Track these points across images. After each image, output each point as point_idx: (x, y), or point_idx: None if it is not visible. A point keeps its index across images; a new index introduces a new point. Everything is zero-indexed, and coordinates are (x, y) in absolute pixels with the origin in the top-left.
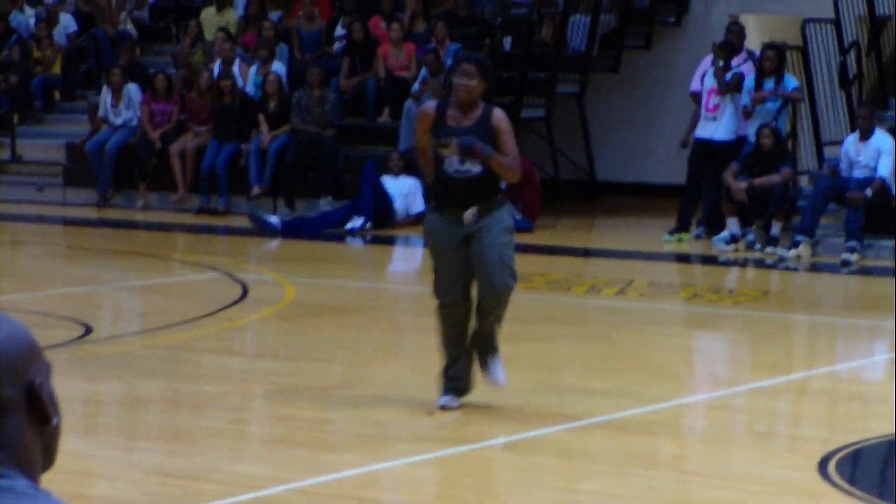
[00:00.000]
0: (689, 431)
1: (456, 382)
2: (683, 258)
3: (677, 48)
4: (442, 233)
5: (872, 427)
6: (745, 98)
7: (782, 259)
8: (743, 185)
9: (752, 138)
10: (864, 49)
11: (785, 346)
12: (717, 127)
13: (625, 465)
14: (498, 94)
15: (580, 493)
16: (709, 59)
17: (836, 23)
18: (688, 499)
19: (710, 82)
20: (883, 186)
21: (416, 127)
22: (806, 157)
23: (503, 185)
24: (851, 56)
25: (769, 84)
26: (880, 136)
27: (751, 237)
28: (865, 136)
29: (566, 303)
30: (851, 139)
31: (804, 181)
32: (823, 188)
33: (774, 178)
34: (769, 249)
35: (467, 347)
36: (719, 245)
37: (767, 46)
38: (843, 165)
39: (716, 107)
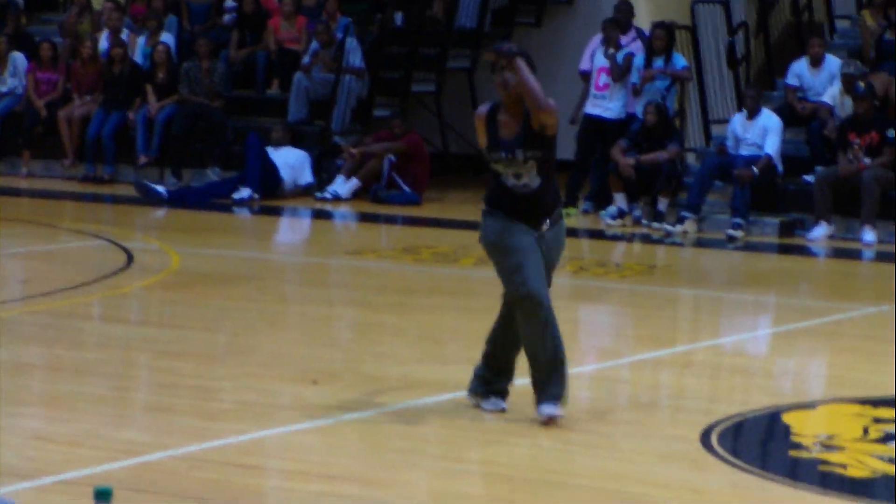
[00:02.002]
0: (573, 402)
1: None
2: (571, 232)
3: (568, 26)
4: (519, 228)
5: (754, 399)
6: (634, 76)
7: (668, 234)
8: (631, 161)
9: (641, 116)
10: (752, 29)
11: (669, 320)
12: (607, 104)
13: (510, 434)
14: (388, 69)
15: (465, 462)
16: (598, 37)
17: (725, 3)
18: (571, 468)
19: (600, 61)
20: (769, 164)
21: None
22: (693, 134)
23: (393, 157)
24: (740, 36)
25: (658, 63)
26: (767, 115)
27: (638, 213)
28: (752, 114)
29: (453, 275)
30: (738, 118)
31: (691, 158)
32: (710, 166)
33: (662, 155)
34: (655, 225)
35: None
36: (606, 220)
37: (657, 25)
38: (730, 143)
39: (605, 85)
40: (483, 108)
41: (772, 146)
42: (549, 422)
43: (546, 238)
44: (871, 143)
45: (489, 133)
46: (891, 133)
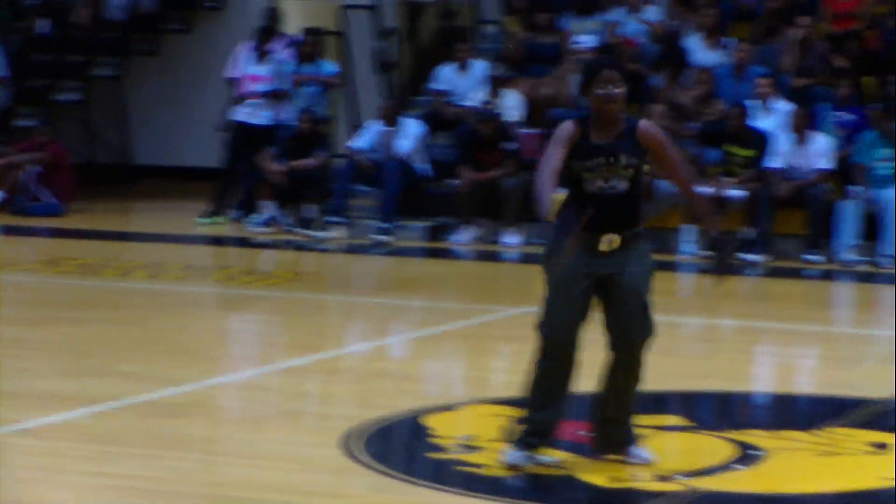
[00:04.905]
0: (219, 413)
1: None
2: (220, 241)
3: (218, 32)
4: (568, 258)
5: (399, 404)
6: (284, 82)
7: (317, 241)
8: (280, 168)
9: (291, 122)
10: (402, 35)
11: (317, 326)
12: (256, 111)
13: (154, 448)
14: (32, 78)
15: (108, 477)
16: (247, 44)
17: (375, 8)
18: (216, 479)
19: (250, 67)
20: (408, 169)
21: (553, 146)
22: (343, 141)
23: (38, 168)
24: (389, 42)
25: (308, 69)
26: (410, 123)
27: (287, 220)
28: (391, 122)
29: (99, 287)
30: (379, 124)
31: (341, 165)
32: (350, 171)
33: (311, 162)
34: (304, 232)
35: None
36: (255, 227)
37: (307, 31)
38: (377, 149)
39: (255, 92)
40: (570, 123)
41: (403, 150)
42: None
43: (620, 271)
44: (499, 158)
45: (580, 143)
46: (509, 145)
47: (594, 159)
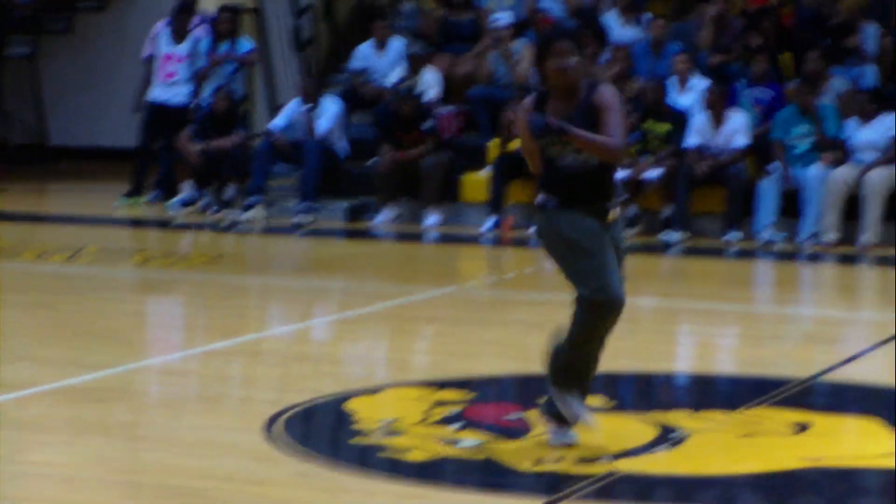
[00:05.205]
0: (140, 398)
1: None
2: (138, 222)
3: (133, 10)
4: (589, 222)
5: (322, 387)
6: (200, 61)
7: (236, 222)
8: (197, 148)
9: (208, 102)
10: (319, 13)
11: (238, 309)
12: (172, 91)
13: (74, 434)
14: None
15: (26, 465)
16: (162, 23)
17: None
18: (137, 465)
19: (165, 47)
20: (327, 148)
21: (519, 128)
22: (261, 120)
23: None
24: (306, 19)
25: (224, 47)
26: (328, 101)
27: (206, 200)
28: (311, 101)
29: (13, 270)
30: (297, 103)
31: (259, 145)
32: (267, 150)
33: (229, 142)
34: (223, 212)
35: None
36: (174, 208)
37: (223, 9)
38: (296, 128)
39: (171, 73)
40: (527, 102)
41: (322, 130)
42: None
43: (613, 233)
44: (418, 137)
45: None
46: (428, 124)
47: (549, 136)
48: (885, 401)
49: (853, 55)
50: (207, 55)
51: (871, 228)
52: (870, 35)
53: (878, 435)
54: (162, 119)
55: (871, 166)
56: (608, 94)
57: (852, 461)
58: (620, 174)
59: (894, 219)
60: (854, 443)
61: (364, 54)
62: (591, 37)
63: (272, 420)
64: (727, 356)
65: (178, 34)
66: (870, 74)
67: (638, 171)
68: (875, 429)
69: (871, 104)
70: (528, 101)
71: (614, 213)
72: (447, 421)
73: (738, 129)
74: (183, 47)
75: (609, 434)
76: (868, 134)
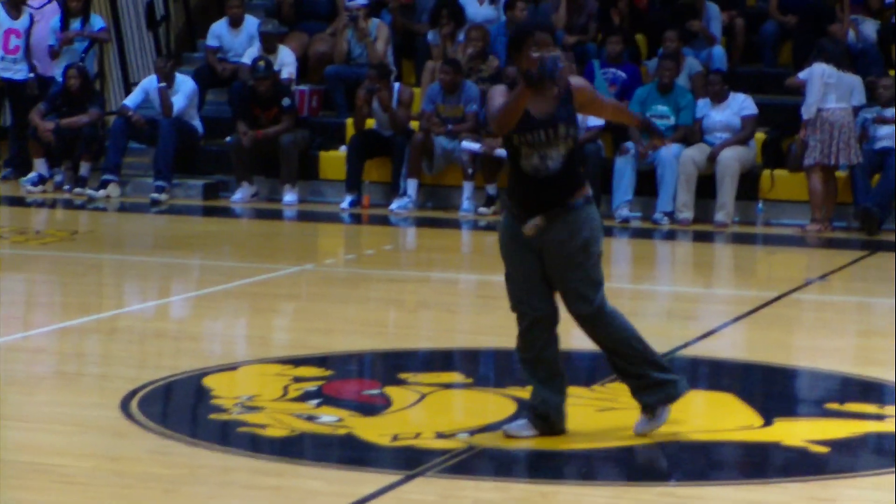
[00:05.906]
0: None
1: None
2: None
3: None
4: (511, 231)
5: (180, 364)
6: (51, 38)
7: (91, 199)
8: (50, 125)
9: (60, 78)
10: None
11: (94, 286)
12: (18, 66)
13: None
14: None
15: None
16: None
17: None
18: None
19: (7, 22)
20: (183, 126)
21: (499, 97)
22: (115, 97)
23: None
24: None
25: (76, 24)
26: (183, 80)
27: (60, 178)
28: (167, 79)
29: None
30: (152, 80)
31: (114, 122)
32: (121, 127)
33: (83, 119)
34: (78, 190)
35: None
36: (27, 186)
37: None
38: (152, 106)
39: (16, 48)
40: (503, 88)
41: (178, 107)
42: None
43: (546, 235)
44: (276, 114)
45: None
46: (286, 102)
47: (533, 132)
48: (741, 375)
49: (698, 37)
50: (58, 32)
51: (725, 207)
52: (713, 16)
53: (734, 408)
54: (9, 96)
55: (723, 145)
56: (585, 83)
57: (709, 435)
58: (474, 147)
59: (747, 198)
60: (711, 416)
61: (218, 32)
62: (448, 16)
63: (130, 396)
64: None
65: (15, 7)
66: (718, 56)
67: (490, 146)
68: (731, 402)
69: (722, 85)
70: (501, 87)
71: (534, 223)
72: (306, 397)
73: None
74: (20, 22)
75: (467, 410)
76: (720, 115)
